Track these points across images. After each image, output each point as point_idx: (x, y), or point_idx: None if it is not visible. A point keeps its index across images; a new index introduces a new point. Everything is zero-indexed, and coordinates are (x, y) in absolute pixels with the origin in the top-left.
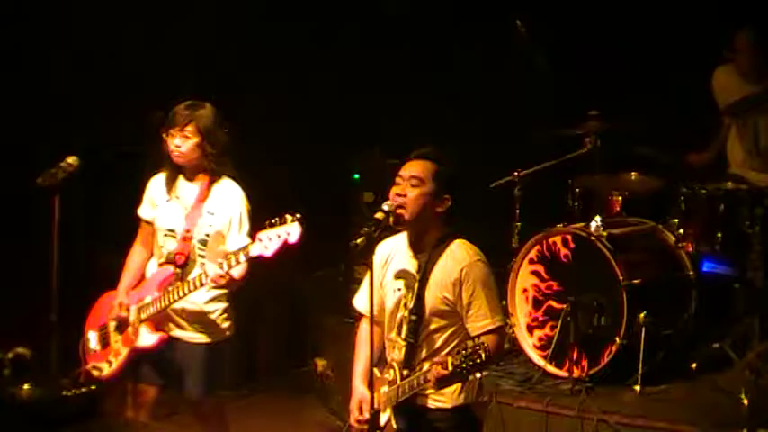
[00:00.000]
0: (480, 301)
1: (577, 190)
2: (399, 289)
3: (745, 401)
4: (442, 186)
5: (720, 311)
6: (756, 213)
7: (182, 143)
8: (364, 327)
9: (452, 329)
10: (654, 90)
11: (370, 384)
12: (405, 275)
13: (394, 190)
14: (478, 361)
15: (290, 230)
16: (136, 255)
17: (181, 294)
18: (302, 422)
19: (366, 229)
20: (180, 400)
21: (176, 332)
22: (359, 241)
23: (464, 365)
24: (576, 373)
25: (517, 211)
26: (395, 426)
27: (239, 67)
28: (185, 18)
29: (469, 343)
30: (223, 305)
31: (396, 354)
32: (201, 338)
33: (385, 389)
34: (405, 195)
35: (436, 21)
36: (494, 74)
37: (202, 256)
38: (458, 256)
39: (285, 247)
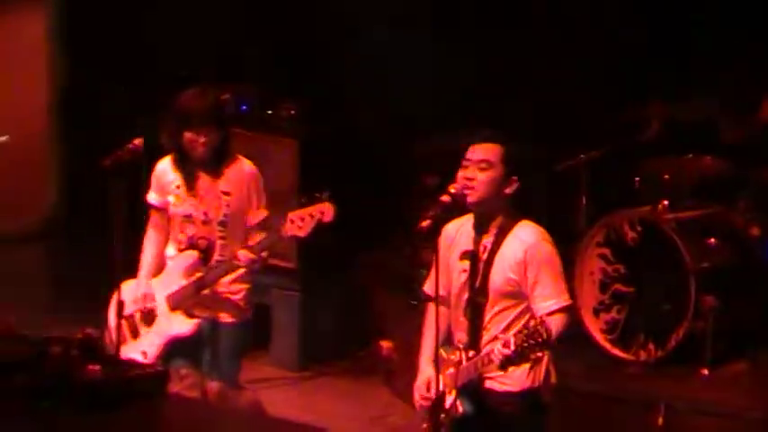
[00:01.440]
0: (546, 281)
1: (645, 173)
2: (465, 270)
3: None
4: (511, 169)
5: None
6: None
7: (207, 141)
8: (431, 309)
9: (518, 311)
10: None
11: (437, 366)
12: (470, 257)
13: (462, 173)
14: (540, 340)
15: (324, 210)
16: (151, 243)
17: (215, 277)
18: (367, 404)
19: (431, 212)
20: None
21: (205, 314)
22: (425, 224)
23: (525, 345)
24: (643, 356)
25: (583, 193)
26: (460, 408)
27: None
28: None
29: (532, 322)
30: (246, 286)
31: (461, 335)
32: (227, 318)
33: (451, 371)
34: (473, 179)
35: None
36: (558, 55)
37: (223, 238)
38: (523, 238)
39: (320, 226)
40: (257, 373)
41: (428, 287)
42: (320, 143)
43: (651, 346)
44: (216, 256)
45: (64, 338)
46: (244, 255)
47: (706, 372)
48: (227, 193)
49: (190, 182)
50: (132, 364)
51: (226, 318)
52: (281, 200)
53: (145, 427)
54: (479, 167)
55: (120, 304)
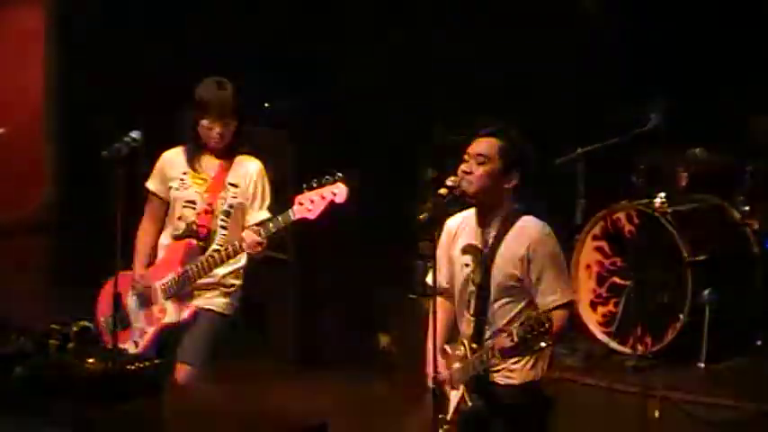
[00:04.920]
0: (548, 276)
1: (642, 166)
2: (467, 264)
3: None
4: (509, 164)
5: None
6: None
7: (223, 131)
8: (438, 303)
9: (521, 305)
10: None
11: (435, 359)
12: (472, 251)
13: (461, 167)
14: (543, 330)
15: (336, 191)
16: (145, 233)
17: (212, 264)
18: (365, 397)
19: (429, 204)
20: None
21: (196, 301)
22: (422, 216)
23: (529, 336)
24: (640, 349)
25: (581, 187)
26: (469, 403)
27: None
28: None
29: (533, 314)
30: (239, 282)
31: (465, 328)
32: (213, 308)
33: (457, 365)
34: (471, 173)
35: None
36: (556, 49)
37: (224, 228)
38: (525, 232)
39: (331, 208)
40: (256, 367)
41: (431, 280)
42: (316, 135)
43: (648, 339)
44: (214, 245)
45: (61, 331)
46: (249, 236)
47: (702, 364)
48: (234, 185)
49: (199, 169)
50: (131, 356)
51: (212, 307)
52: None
53: (145, 419)
54: (477, 161)
55: (118, 296)
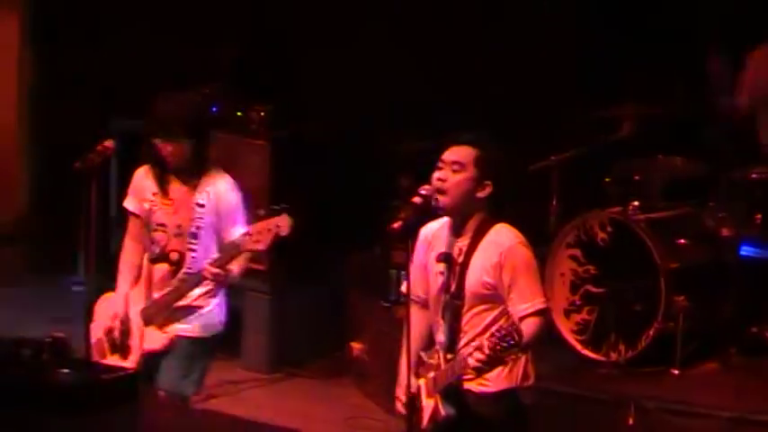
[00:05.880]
0: (521, 284)
1: (615, 174)
2: (441, 273)
3: None
4: (484, 172)
5: (760, 296)
6: None
7: (175, 149)
8: (412, 311)
9: (495, 313)
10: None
11: (409, 368)
12: (446, 259)
13: (435, 175)
14: (512, 342)
15: (280, 223)
16: (129, 253)
17: (185, 289)
18: (338, 405)
19: (403, 213)
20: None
21: (173, 327)
22: (396, 225)
23: (499, 348)
24: (614, 357)
25: (554, 194)
26: (443, 412)
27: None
28: None
29: (504, 325)
30: (216, 300)
31: (440, 337)
32: (190, 334)
33: (431, 374)
34: (446, 180)
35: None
36: (529, 56)
37: (193, 250)
38: (499, 241)
39: (278, 240)
40: (229, 376)
41: (406, 288)
42: (292, 145)
43: (622, 347)
44: (184, 269)
45: (34, 341)
46: (207, 270)
47: (676, 372)
48: (201, 205)
49: (165, 190)
50: (103, 367)
51: (189, 333)
52: (251, 203)
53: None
54: (452, 169)
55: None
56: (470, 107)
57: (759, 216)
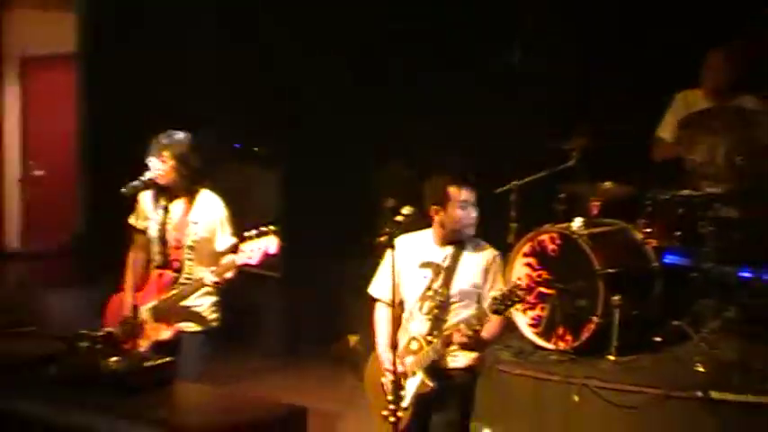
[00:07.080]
0: (498, 285)
1: (563, 196)
2: (426, 276)
3: (701, 369)
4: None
5: (680, 295)
6: (708, 215)
7: (160, 166)
8: (383, 309)
9: (472, 307)
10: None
11: (394, 350)
12: (432, 265)
13: (470, 215)
14: (516, 299)
15: (269, 243)
16: (134, 261)
17: (185, 294)
18: (336, 387)
19: (388, 229)
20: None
21: (180, 323)
22: (382, 239)
23: (502, 306)
24: (562, 346)
25: (513, 213)
26: (430, 384)
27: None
28: None
29: (475, 313)
30: (212, 299)
31: (420, 328)
32: (191, 327)
33: (410, 359)
34: (474, 216)
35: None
36: (493, 92)
37: (191, 260)
38: (484, 250)
39: (267, 257)
40: (249, 364)
41: (374, 290)
42: (300, 175)
43: (569, 337)
44: (183, 276)
45: (90, 335)
46: (208, 278)
47: (612, 357)
48: (195, 222)
49: (166, 211)
50: (147, 356)
51: (191, 327)
52: (253, 224)
53: (158, 406)
54: (473, 206)
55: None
56: (450, 143)
57: (678, 231)
